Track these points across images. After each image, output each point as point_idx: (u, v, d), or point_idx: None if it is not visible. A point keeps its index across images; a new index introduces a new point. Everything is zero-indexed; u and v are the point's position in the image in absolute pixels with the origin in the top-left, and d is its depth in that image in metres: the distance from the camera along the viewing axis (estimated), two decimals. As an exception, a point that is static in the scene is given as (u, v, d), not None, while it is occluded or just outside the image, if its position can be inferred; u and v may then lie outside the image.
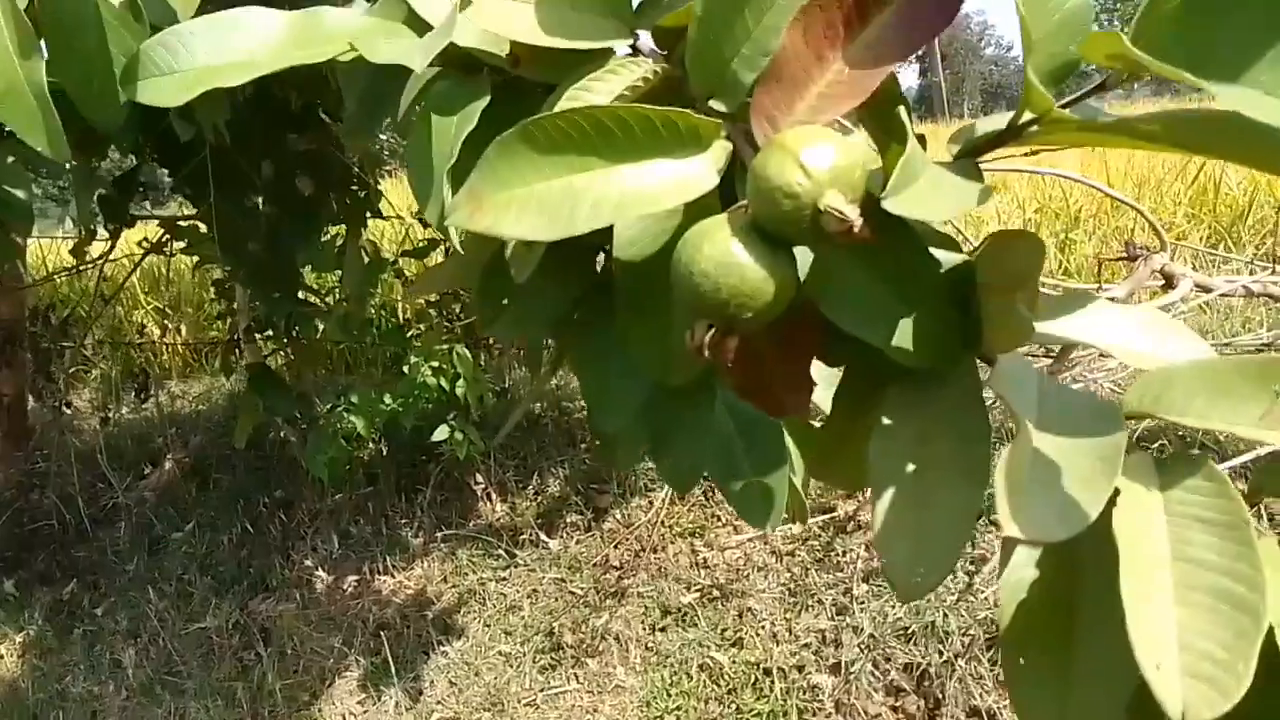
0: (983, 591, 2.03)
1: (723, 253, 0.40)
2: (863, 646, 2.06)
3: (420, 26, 0.56)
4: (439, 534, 2.70)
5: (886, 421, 0.46)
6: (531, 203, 0.44)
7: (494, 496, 2.78)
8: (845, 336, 0.47)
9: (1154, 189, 3.91)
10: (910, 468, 0.46)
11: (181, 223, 2.27)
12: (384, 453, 2.85)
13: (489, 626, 2.42)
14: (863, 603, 2.13)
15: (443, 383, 2.33)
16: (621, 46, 0.56)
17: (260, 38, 0.54)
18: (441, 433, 2.43)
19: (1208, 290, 1.59)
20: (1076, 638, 0.44)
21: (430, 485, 2.81)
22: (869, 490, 0.64)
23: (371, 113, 0.79)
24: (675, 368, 0.52)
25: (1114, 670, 0.43)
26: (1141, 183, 4.05)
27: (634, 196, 0.43)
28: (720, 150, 0.44)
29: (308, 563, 2.70)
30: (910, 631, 2.03)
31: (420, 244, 2.54)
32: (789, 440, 0.77)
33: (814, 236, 0.39)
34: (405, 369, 2.34)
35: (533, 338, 0.72)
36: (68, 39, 0.58)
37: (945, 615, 2.02)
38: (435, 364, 2.30)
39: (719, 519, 2.50)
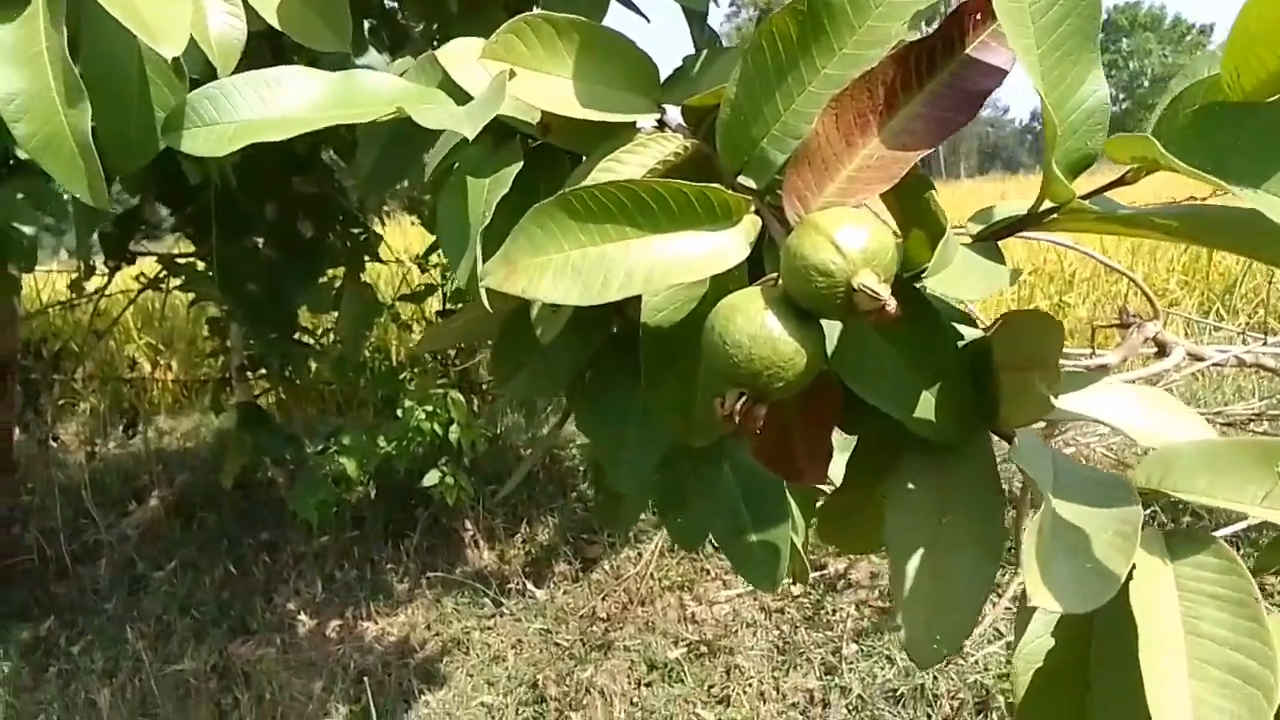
0: (972, 655, 2.03)
1: (757, 325, 0.41)
2: (850, 708, 2.04)
3: (455, 91, 0.58)
4: (425, 580, 2.68)
5: (910, 486, 0.48)
6: (567, 269, 0.46)
7: (482, 543, 2.77)
8: (863, 407, 0.49)
9: (1149, 255, 3.98)
10: (928, 539, 0.47)
11: (180, 260, 2.28)
12: (372, 496, 2.83)
13: (472, 676, 2.39)
14: (851, 663, 2.12)
15: (436, 427, 2.33)
16: (648, 120, 0.58)
17: (301, 96, 0.56)
18: (432, 477, 2.42)
19: (1200, 359, 1.62)
20: (1090, 707, 0.45)
21: (418, 530, 2.80)
22: (861, 551, 0.65)
23: (390, 170, 0.81)
24: (698, 431, 0.53)
25: (1126, 742, 0.44)
26: (1136, 248, 4.12)
27: (667, 266, 0.45)
28: (750, 224, 0.46)
29: (290, 606, 2.67)
30: (899, 694, 2.02)
31: (418, 288, 2.56)
32: (791, 501, 0.78)
33: (844, 313, 0.41)
34: (399, 412, 2.34)
35: (548, 396, 0.74)
36: (108, 87, 0.59)
37: (935, 678, 2.01)
38: (429, 408, 2.30)
39: (708, 573, 2.50)
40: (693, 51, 0.68)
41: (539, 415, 3.11)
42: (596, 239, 0.46)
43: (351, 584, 2.72)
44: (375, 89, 0.56)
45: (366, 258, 2.32)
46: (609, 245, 0.46)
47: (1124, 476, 0.45)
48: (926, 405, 0.47)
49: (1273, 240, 0.34)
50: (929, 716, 1.98)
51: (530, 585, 2.60)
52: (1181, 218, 0.38)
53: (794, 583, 0.77)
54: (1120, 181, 0.42)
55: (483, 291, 0.56)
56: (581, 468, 2.93)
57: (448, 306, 2.66)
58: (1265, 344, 1.59)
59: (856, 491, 0.56)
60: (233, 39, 0.60)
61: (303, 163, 1.82)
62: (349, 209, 2.10)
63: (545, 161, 0.59)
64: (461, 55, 0.57)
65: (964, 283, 0.39)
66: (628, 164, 0.51)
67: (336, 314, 2.44)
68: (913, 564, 0.48)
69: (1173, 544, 0.44)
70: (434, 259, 2.63)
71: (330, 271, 2.31)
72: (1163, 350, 1.54)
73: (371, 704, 2.30)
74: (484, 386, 2.96)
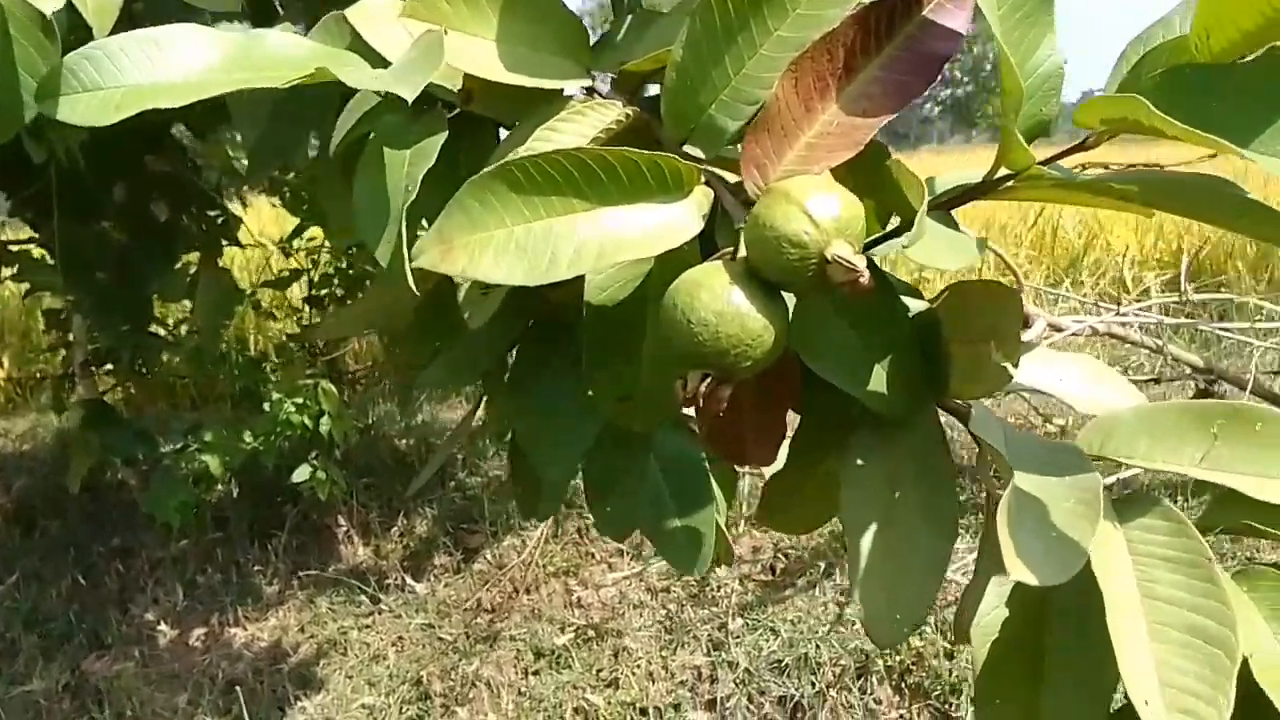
0: (853, 622, 2.09)
1: (723, 301, 0.40)
2: (738, 681, 2.07)
3: (368, 54, 0.54)
4: (296, 580, 2.56)
5: (860, 463, 0.47)
6: (510, 246, 0.43)
7: (356, 539, 2.67)
8: (812, 383, 0.48)
9: (999, 230, 4.22)
10: (882, 515, 0.47)
11: (13, 247, 2.09)
12: (235, 495, 2.68)
13: (351, 678, 2.30)
14: (738, 637, 2.15)
15: (306, 419, 2.23)
16: (577, 87, 0.55)
17: (197, 58, 0.50)
18: (303, 473, 2.31)
19: (1059, 330, 1.71)
20: (1047, 673, 0.45)
21: (286, 528, 2.67)
22: (803, 531, 0.64)
23: (277, 146, 0.75)
24: (642, 414, 0.51)
25: (1082, 710, 0.45)
26: (988, 224, 4.35)
27: (619, 241, 0.43)
28: (702, 195, 0.44)
29: (149, 616, 2.50)
30: (784, 664, 2.07)
31: (281, 274, 2.43)
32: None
33: (814, 286, 0.39)
34: (267, 405, 2.22)
35: (467, 384, 0.70)
36: (-39, 50, 0.52)
37: (817, 647, 2.06)
38: (299, 399, 2.19)
39: (594, 556, 2.48)
40: (608, 15, 0.65)
41: (412, 404, 3.02)
42: (541, 212, 0.43)
43: (216, 588, 2.58)
44: (282, 50, 0.51)
45: (224, 242, 2.18)
46: (554, 219, 0.43)
47: (1075, 444, 0.46)
48: (879, 379, 0.46)
49: (1230, 206, 0.34)
50: (813, 684, 2.03)
51: (409, 579, 2.52)
52: (1141, 184, 0.38)
53: (719, 565, 0.76)
54: (1081, 146, 0.42)
55: (409, 272, 0.52)
56: (461, 456, 2.87)
57: (314, 293, 2.54)
58: (1117, 313, 1.70)
59: (799, 471, 0.55)
60: (109, -6, 0.54)
61: (155, 139, 1.69)
62: (204, 189, 1.97)
63: (467, 131, 0.56)
64: (376, 14, 0.52)
65: (942, 254, 0.38)
66: (565, 133, 0.48)
67: (191, 303, 2.29)
68: (867, 540, 0.47)
69: (1120, 508, 0.45)
70: (297, 243, 2.50)
71: (185, 257, 2.17)
72: (1025, 322, 1.62)
73: (245, 713, 2.19)
74: (353, 375, 2.84)
